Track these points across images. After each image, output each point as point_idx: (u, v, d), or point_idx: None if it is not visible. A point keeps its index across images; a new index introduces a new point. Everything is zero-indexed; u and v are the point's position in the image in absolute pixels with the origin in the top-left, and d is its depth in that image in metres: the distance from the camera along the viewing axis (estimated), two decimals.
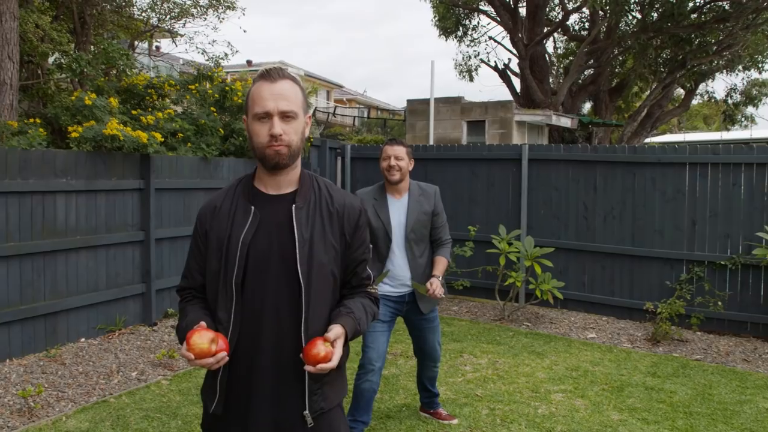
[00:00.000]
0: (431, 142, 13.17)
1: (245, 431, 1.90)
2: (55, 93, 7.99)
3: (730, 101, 19.13)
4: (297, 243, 1.85)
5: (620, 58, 19.32)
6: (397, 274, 3.95)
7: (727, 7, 13.99)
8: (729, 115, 19.33)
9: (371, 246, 2.00)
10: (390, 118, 26.79)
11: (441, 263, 3.99)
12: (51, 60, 8.73)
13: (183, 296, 2.04)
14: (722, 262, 6.77)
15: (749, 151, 6.84)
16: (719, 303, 6.56)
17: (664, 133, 34.42)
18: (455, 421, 4.43)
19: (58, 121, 6.94)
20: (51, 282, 5.66)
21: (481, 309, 7.90)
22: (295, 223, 1.87)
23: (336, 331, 1.80)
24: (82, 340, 5.95)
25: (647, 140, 24.15)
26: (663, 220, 7.18)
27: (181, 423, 4.28)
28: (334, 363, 1.75)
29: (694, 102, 24.83)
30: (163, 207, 6.77)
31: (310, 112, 12.74)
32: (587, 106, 21.31)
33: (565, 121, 14.27)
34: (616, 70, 19.82)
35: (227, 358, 1.77)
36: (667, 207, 7.15)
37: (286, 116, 1.84)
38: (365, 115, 34.92)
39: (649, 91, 18.69)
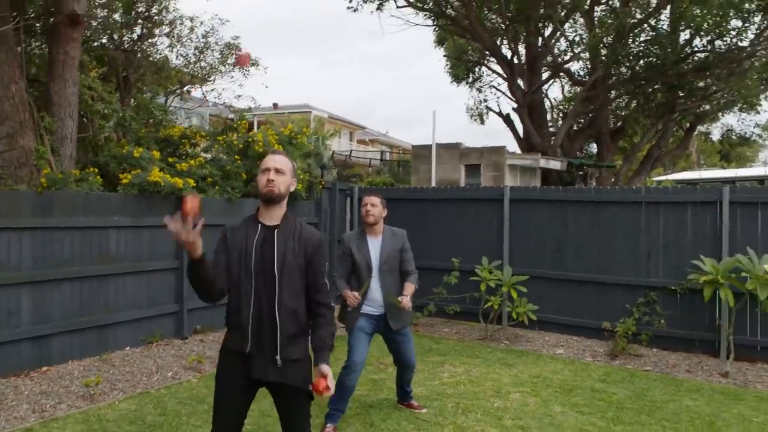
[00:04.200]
0: (433, 184, 14.42)
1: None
2: (103, 144, 9.38)
3: (724, 141, 20.11)
4: (275, 251, 3.04)
5: (623, 102, 20.44)
6: (375, 298, 5.12)
7: (706, 58, 15.09)
8: (724, 155, 20.28)
9: (326, 270, 3.19)
10: (403, 160, 28.11)
11: (409, 287, 5.20)
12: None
13: None
14: (672, 287, 7.81)
15: (693, 192, 7.94)
16: (662, 321, 7.60)
17: (683, 170, 35.23)
18: (424, 410, 5.52)
19: (107, 168, 8.29)
20: (104, 300, 6.96)
21: (468, 330, 8.96)
22: (276, 240, 3.06)
23: (325, 369, 2.96)
24: (128, 348, 7.21)
25: (661, 178, 25.03)
26: (624, 252, 8.25)
27: (207, 407, 5.43)
28: (332, 389, 2.96)
29: (715, 139, 25.68)
30: None
31: (329, 154, 14.35)
32: (594, 148, 22.34)
33: (554, 164, 15.40)
34: (620, 113, 20.91)
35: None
36: (627, 240, 8.24)
37: (278, 171, 3.06)
38: (386, 156, 36.40)
39: (643, 134, 19.69)
